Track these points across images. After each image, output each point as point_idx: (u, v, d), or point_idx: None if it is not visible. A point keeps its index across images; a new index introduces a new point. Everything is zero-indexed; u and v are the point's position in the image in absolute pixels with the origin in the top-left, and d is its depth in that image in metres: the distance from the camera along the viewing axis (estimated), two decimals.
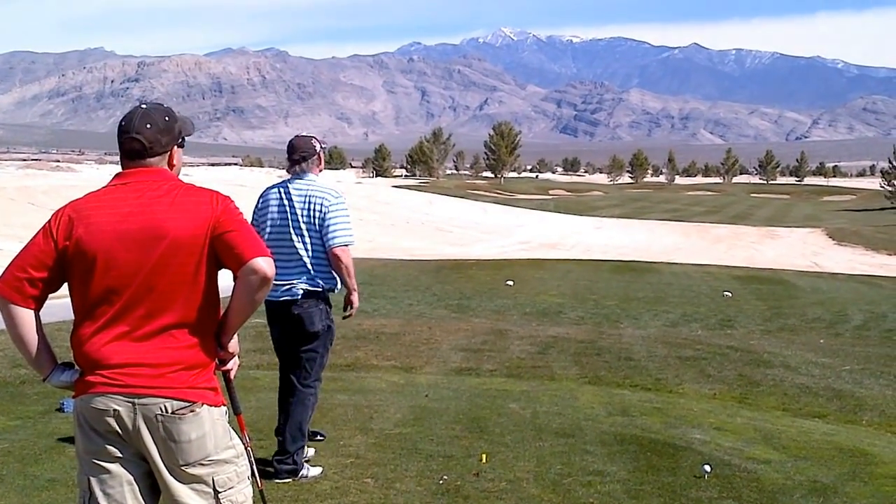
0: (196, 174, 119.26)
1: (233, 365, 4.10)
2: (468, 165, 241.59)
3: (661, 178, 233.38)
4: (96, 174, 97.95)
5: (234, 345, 4.02)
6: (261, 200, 7.14)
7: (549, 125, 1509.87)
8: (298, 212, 6.88)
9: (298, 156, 7.04)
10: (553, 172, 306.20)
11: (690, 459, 7.53)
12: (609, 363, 13.63)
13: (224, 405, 3.89)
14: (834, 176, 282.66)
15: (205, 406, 3.75)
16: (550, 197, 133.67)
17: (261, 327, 11.21)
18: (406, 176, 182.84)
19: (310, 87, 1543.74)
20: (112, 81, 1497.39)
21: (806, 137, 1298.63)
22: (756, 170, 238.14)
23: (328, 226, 6.79)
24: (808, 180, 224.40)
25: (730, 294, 27.33)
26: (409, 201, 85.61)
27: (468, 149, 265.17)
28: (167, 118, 3.96)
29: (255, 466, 4.13)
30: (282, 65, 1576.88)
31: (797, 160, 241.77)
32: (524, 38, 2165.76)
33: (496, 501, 6.30)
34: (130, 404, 3.67)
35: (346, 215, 6.91)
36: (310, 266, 6.84)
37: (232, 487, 3.84)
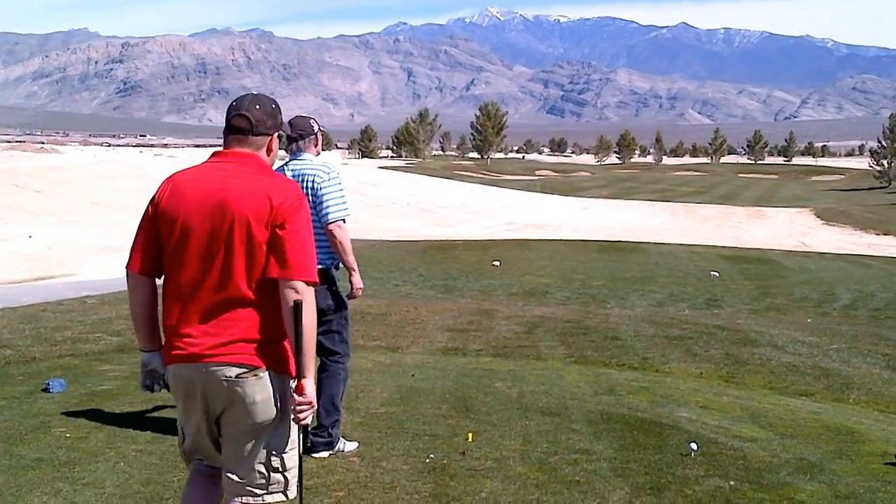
0: (180, 156, 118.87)
1: (304, 416, 4.09)
2: (454, 146, 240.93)
3: (649, 159, 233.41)
4: (81, 155, 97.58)
5: (308, 390, 4.04)
6: None
7: (535, 106, 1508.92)
8: None
9: (296, 134, 7.05)
10: (540, 153, 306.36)
11: (677, 438, 7.53)
12: (595, 343, 13.63)
13: (289, 376, 4.08)
14: (822, 156, 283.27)
15: (269, 371, 4.01)
16: (537, 178, 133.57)
17: None
18: (392, 157, 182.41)
19: (295, 68, 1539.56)
20: (96, 62, 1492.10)
21: (795, 117, 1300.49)
22: (744, 150, 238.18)
23: (321, 202, 6.77)
24: (797, 160, 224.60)
25: (717, 274, 27.39)
26: (396, 182, 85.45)
27: (454, 130, 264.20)
28: (273, 105, 4.26)
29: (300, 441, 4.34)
30: (267, 45, 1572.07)
31: (786, 140, 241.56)
32: (511, 17, 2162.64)
33: (482, 480, 6.28)
34: (201, 371, 3.99)
35: (340, 191, 6.88)
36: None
37: (285, 452, 4.15)
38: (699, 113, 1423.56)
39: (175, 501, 5.74)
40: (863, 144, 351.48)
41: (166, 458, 6.63)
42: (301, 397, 4.01)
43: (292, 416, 4.07)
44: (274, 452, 4.12)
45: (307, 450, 6.88)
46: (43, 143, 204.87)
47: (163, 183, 4.18)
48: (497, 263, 27.62)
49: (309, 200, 6.78)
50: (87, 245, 31.77)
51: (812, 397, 10.56)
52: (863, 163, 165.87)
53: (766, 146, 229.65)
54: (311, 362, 4.01)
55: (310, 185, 6.80)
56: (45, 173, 54.49)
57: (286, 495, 4.22)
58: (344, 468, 6.53)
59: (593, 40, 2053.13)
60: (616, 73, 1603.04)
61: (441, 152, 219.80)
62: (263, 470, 4.12)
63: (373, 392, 9.07)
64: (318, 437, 6.93)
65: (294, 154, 7.05)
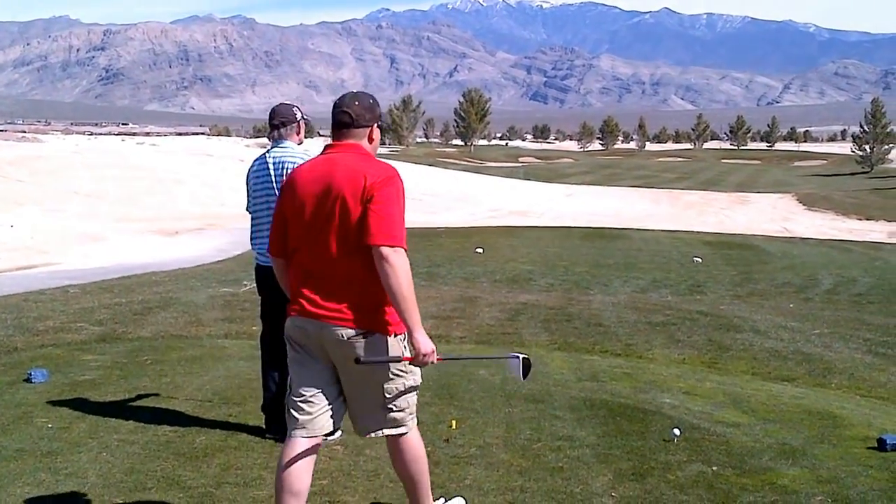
0: (163, 144, 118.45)
1: (428, 362, 4.60)
2: (438, 133, 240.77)
3: (632, 145, 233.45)
4: (63, 144, 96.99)
5: (423, 344, 4.53)
6: (249, 170, 7.19)
7: (518, 92, 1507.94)
8: (274, 179, 6.91)
9: (278, 121, 7.08)
10: (523, 140, 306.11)
11: (660, 423, 7.54)
12: (579, 329, 13.66)
13: (396, 333, 4.64)
14: (805, 141, 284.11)
15: (377, 334, 4.59)
16: (520, 164, 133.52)
17: (229, 296, 11.17)
18: None
19: (277, 55, 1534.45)
20: (78, 50, 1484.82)
21: (777, 102, 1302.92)
22: (727, 135, 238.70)
23: None
24: (779, 145, 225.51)
25: (700, 259, 27.43)
26: None
27: (438, 116, 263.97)
28: (371, 101, 4.91)
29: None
30: (249, 32, 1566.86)
31: (768, 125, 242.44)
32: (493, 3, 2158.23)
33: (466, 467, 6.29)
34: (318, 328, 4.60)
35: None
36: None
37: (398, 396, 4.72)
38: (682, 98, 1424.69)
39: (158, 491, 5.74)
40: (845, 129, 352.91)
41: (149, 448, 6.61)
42: (415, 352, 4.54)
43: (419, 365, 4.66)
44: (388, 396, 4.70)
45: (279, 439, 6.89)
46: (24, 131, 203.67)
47: (291, 173, 4.94)
48: (480, 250, 27.60)
49: None
50: (69, 234, 31.65)
51: (794, 382, 10.61)
52: (845, 148, 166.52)
53: (749, 132, 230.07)
54: (413, 317, 4.47)
55: (289, 172, 6.80)
56: (26, 162, 54.23)
57: (406, 428, 4.84)
58: (327, 457, 6.52)
59: (576, 26, 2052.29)
60: (599, 59, 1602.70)
61: (424, 139, 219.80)
62: (381, 412, 4.73)
63: None
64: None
65: (276, 141, 7.05)
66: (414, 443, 4.91)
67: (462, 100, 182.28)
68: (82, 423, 7.25)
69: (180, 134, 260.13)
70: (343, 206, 4.51)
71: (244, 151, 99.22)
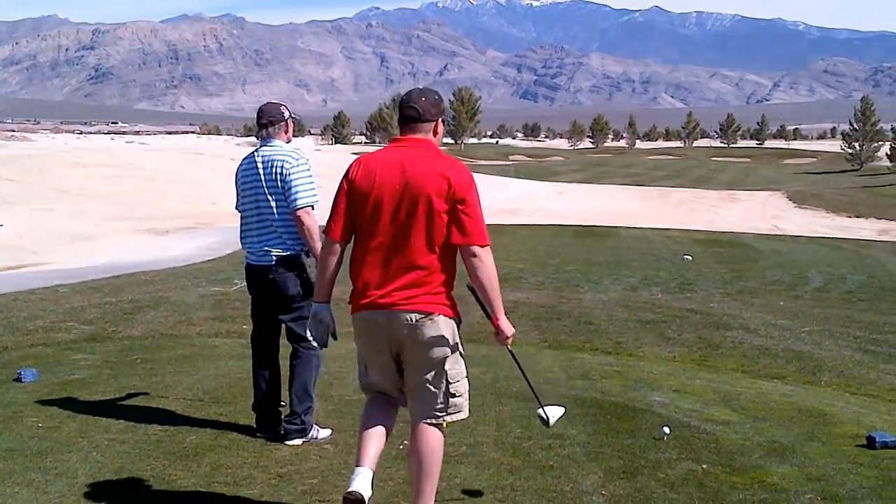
0: (153, 143, 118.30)
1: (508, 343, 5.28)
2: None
3: (622, 143, 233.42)
4: (52, 143, 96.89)
5: (507, 326, 5.19)
6: (238, 169, 7.19)
7: (509, 90, 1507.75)
8: (263, 177, 6.91)
9: (266, 120, 7.08)
10: (513, 138, 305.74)
11: (650, 422, 7.56)
12: (569, 327, 13.67)
13: (457, 317, 5.09)
14: (795, 139, 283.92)
15: (441, 316, 4.95)
16: (511, 162, 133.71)
17: (219, 295, 11.16)
18: (366, 143, 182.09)
19: (267, 54, 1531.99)
20: (67, 49, 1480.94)
21: (767, 100, 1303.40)
22: (717, 133, 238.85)
23: (289, 188, 6.79)
24: (769, 143, 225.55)
25: (690, 258, 27.50)
26: None
27: None
28: (436, 97, 5.25)
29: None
30: (239, 31, 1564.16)
31: (758, 123, 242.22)
32: (483, 2, 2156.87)
33: (457, 465, 6.30)
34: (386, 317, 4.92)
35: (308, 177, 6.89)
36: (280, 231, 6.89)
37: (458, 381, 5.10)
38: (672, 97, 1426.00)
39: (148, 491, 5.74)
40: (835, 127, 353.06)
41: (139, 447, 6.60)
42: (499, 334, 5.16)
43: (500, 344, 5.22)
44: (450, 381, 5.06)
45: (280, 437, 6.91)
46: (14, 130, 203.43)
47: (353, 164, 5.15)
48: None
49: (279, 186, 6.81)
50: (58, 233, 31.60)
51: (784, 380, 10.63)
52: (835, 145, 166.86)
53: (739, 129, 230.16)
54: (499, 304, 5.11)
55: (279, 170, 6.82)
56: (16, 161, 54.19)
57: (464, 413, 5.22)
58: (317, 455, 6.53)
59: (566, 24, 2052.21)
60: (589, 58, 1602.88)
61: None
62: (442, 397, 5.07)
63: (346, 379, 9.06)
64: (290, 425, 6.94)
65: (265, 140, 7.04)
66: (442, 437, 5.20)
67: (452, 98, 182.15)
68: (72, 423, 7.23)
69: (170, 133, 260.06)
70: (429, 205, 4.85)
71: (235, 150, 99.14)
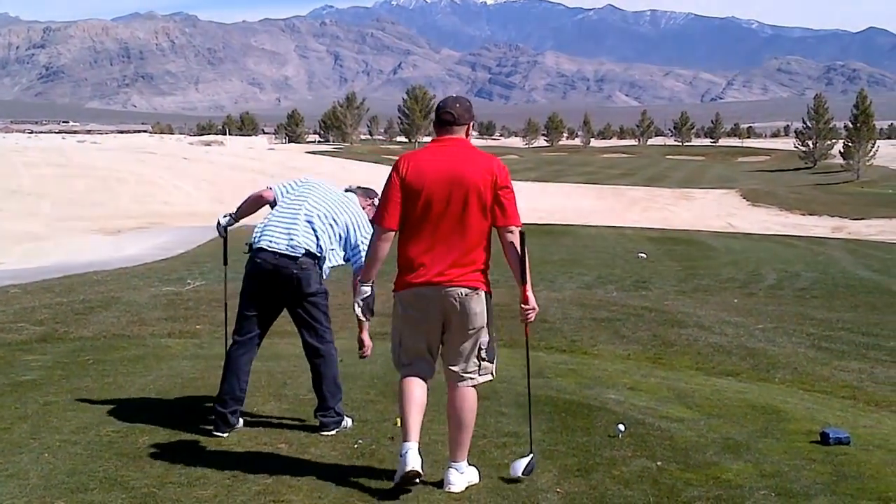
0: (104, 142, 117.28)
1: (531, 317, 5.99)
2: (382, 130, 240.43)
3: (577, 141, 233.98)
4: (2, 142, 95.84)
5: (533, 299, 5.94)
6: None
7: (463, 89, 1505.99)
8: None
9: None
10: (468, 137, 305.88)
11: (605, 419, 7.59)
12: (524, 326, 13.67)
13: (490, 293, 5.88)
14: (748, 137, 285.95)
15: (482, 291, 5.82)
16: None
17: (172, 295, 11.08)
18: (319, 142, 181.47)
19: (220, 53, 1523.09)
20: (17, 48, 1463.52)
21: (721, 98, 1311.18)
22: (671, 132, 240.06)
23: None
24: (723, 141, 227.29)
25: (644, 255, 27.63)
26: (323, 167, 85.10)
27: (382, 113, 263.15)
28: (468, 103, 6.08)
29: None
30: (191, 29, 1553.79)
31: (712, 121, 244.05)
32: (438, 0, 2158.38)
33: None
34: (440, 291, 5.71)
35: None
36: (316, 227, 7.15)
37: (490, 348, 5.95)
38: (626, 95, 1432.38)
39: (100, 492, 5.67)
40: (788, 125, 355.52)
41: (92, 448, 6.54)
42: (526, 305, 5.91)
43: (521, 317, 5.97)
44: (483, 347, 5.91)
45: (317, 429, 7.16)
46: None
47: (401, 160, 5.86)
48: None
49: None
50: (9, 233, 31.26)
51: (738, 377, 10.70)
52: (788, 143, 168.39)
53: (693, 128, 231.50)
54: (530, 277, 5.91)
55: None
56: None
57: (492, 376, 6.11)
58: (271, 455, 6.49)
59: (520, 23, 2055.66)
60: (543, 56, 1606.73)
61: (369, 136, 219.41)
62: (476, 360, 5.91)
63: (300, 378, 9.01)
64: (327, 418, 7.16)
65: None
66: (476, 395, 6.02)
67: (406, 97, 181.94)
68: (23, 424, 7.16)
69: (122, 132, 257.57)
70: (479, 194, 5.66)
71: (187, 149, 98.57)
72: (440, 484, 5.95)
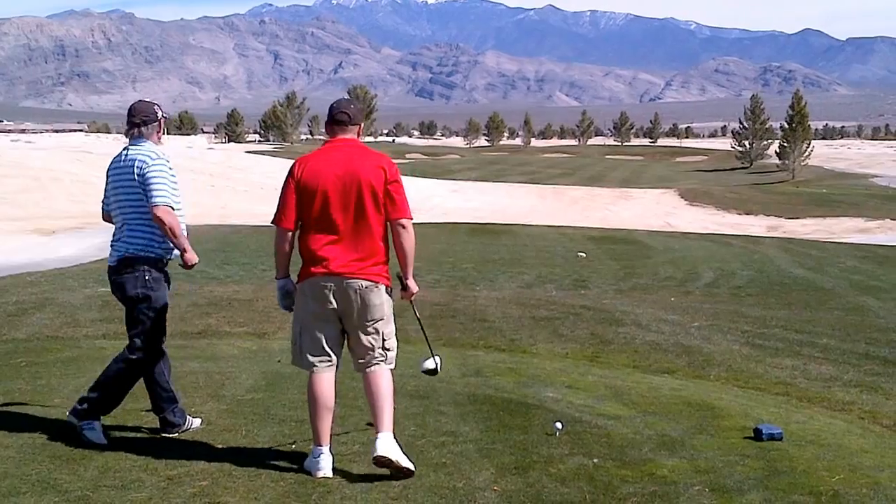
0: (39, 141, 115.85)
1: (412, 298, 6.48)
2: (323, 130, 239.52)
3: (518, 141, 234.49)
4: None
5: (414, 286, 6.45)
6: (109, 168, 7.08)
7: (404, 88, 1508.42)
8: (123, 177, 6.85)
9: (139, 120, 6.95)
10: (410, 136, 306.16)
11: (542, 417, 7.62)
12: (464, 325, 13.72)
13: (390, 287, 6.21)
14: (687, 137, 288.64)
15: (382, 285, 6.13)
16: (407, 161, 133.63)
17: (107, 296, 10.93)
18: (260, 141, 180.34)
19: (158, 51, 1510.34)
20: None
21: (659, 99, 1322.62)
22: (611, 132, 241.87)
23: (147, 187, 6.73)
24: (662, 141, 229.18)
25: (584, 255, 27.72)
26: (263, 167, 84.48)
27: (323, 113, 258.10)
28: (360, 105, 6.53)
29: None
30: (128, 27, 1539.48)
31: (651, 122, 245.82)
32: None
33: (349, 464, 6.27)
34: (341, 283, 6.00)
35: (163, 176, 6.78)
36: (127, 231, 6.88)
37: (390, 338, 6.26)
38: (567, 95, 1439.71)
39: (33, 495, 5.61)
40: (725, 125, 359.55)
41: (24, 451, 6.45)
42: (406, 290, 6.40)
43: (404, 298, 6.41)
44: (385, 337, 6.20)
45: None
46: None
47: (296, 164, 6.14)
48: None
49: (135, 187, 6.73)
50: None
51: (674, 375, 10.79)
52: (725, 143, 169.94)
53: (633, 128, 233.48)
54: (412, 267, 6.30)
55: (136, 170, 6.77)
56: None
57: (394, 364, 6.30)
58: (208, 456, 6.44)
59: (461, 22, 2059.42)
60: (484, 56, 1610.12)
61: (310, 136, 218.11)
62: (381, 349, 6.19)
63: (238, 379, 8.98)
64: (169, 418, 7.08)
65: (135, 139, 6.91)
66: (391, 375, 6.28)
67: (347, 96, 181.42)
68: None
69: (57, 131, 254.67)
70: (373, 190, 5.98)
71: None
72: (374, 481, 5.94)
